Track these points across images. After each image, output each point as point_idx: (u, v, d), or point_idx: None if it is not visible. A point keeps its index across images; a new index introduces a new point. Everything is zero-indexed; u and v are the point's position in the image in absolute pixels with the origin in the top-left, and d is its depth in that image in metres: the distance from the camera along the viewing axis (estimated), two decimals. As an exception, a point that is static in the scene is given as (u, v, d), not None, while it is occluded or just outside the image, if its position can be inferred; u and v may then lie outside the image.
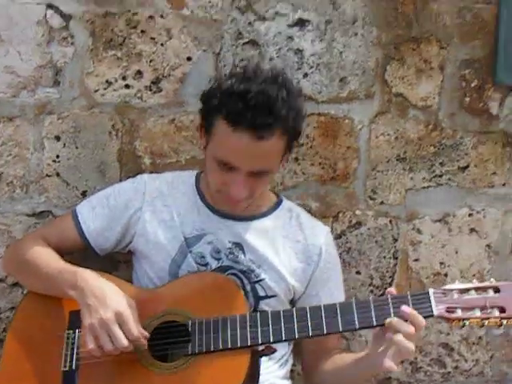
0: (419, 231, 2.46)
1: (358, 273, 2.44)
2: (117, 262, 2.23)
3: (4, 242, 2.21)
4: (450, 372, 2.57)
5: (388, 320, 1.71)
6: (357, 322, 1.76)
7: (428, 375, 2.57)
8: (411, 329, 1.68)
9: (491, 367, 2.61)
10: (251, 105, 1.75)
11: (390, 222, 2.43)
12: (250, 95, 1.76)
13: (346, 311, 1.77)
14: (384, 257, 2.45)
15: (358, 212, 2.41)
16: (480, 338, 2.58)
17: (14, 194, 2.20)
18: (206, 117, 1.89)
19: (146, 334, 1.76)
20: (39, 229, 2.18)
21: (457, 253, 2.50)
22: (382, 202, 2.42)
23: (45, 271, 1.91)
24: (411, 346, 1.68)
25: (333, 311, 1.78)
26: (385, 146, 2.38)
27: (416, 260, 2.48)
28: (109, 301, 1.76)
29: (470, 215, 2.48)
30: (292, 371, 2.15)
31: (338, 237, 2.40)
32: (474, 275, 2.47)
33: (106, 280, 1.85)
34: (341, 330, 1.77)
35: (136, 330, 1.74)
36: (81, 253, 2.08)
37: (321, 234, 2.07)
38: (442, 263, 2.50)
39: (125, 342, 1.71)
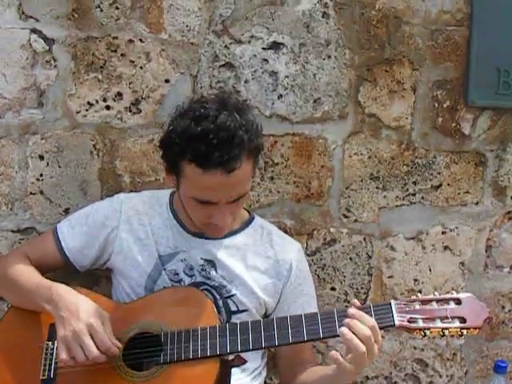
0: (393, 248, 2.57)
1: (332, 289, 2.54)
2: (98, 276, 2.34)
3: (-10, 258, 2.26)
4: (424, 387, 2.66)
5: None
6: (321, 332, 1.89)
7: (402, 390, 2.68)
8: (361, 327, 1.78)
9: (466, 383, 2.69)
10: (215, 144, 1.81)
11: (364, 239, 2.53)
12: (210, 135, 1.81)
13: (310, 322, 1.90)
14: (358, 273, 2.55)
15: (332, 229, 2.51)
16: (454, 354, 2.66)
17: (0, 211, 2.31)
18: (170, 162, 1.95)
19: (118, 343, 1.88)
20: (21, 246, 2.28)
21: (431, 270, 2.59)
22: (355, 220, 2.53)
23: (24, 286, 2.03)
24: (360, 345, 1.76)
25: (298, 321, 1.91)
26: (358, 165, 2.49)
27: (390, 277, 2.58)
28: (81, 313, 1.87)
29: (443, 233, 2.58)
30: (268, 384, 2.29)
31: (312, 253, 2.50)
32: (447, 292, 2.45)
33: (81, 294, 1.96)
34: (305, 339, 1.90)
35: (107, 340, 1.86)
36: (62, 268, 2.19)
37: (291, 250, 2.18)
38: (415, 280, 2.58)
39: (96, 352, 1.84)
